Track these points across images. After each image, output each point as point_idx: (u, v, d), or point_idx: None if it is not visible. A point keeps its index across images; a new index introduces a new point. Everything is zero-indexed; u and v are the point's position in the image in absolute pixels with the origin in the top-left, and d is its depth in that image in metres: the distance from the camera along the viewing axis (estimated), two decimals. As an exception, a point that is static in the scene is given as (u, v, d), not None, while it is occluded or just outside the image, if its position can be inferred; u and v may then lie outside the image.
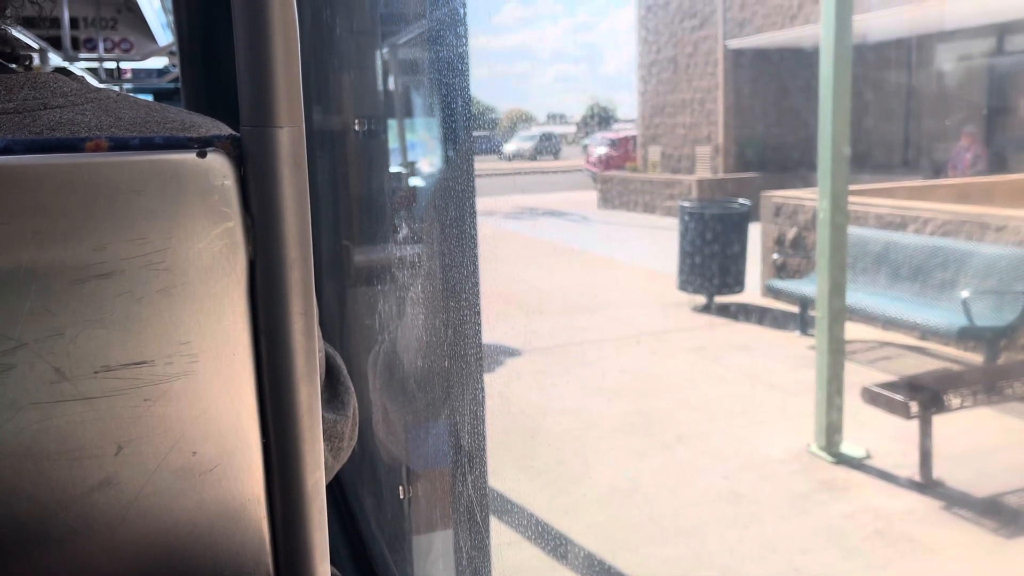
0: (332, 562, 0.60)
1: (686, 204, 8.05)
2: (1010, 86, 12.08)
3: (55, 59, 6.39)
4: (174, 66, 8.08)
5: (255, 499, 0.55)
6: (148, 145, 0.51)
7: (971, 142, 10.58)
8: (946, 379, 4.54)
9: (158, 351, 0.51)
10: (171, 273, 0.51)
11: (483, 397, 1.22)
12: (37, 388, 0.49)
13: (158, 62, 8.78)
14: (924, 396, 3.88)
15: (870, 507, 3.72)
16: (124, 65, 8.15)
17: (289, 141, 0.51)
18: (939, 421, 3.88)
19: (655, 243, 11.57)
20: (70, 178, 0.48)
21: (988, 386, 4.09)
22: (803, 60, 13.74)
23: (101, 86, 0.66)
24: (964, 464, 4.04)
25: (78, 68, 6.90)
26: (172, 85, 8.77)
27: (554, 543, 3.41)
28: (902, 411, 3.86)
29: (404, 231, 1.49)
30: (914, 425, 3.89)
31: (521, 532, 3.50)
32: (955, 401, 3.89)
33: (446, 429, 1.31)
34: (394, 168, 1.71)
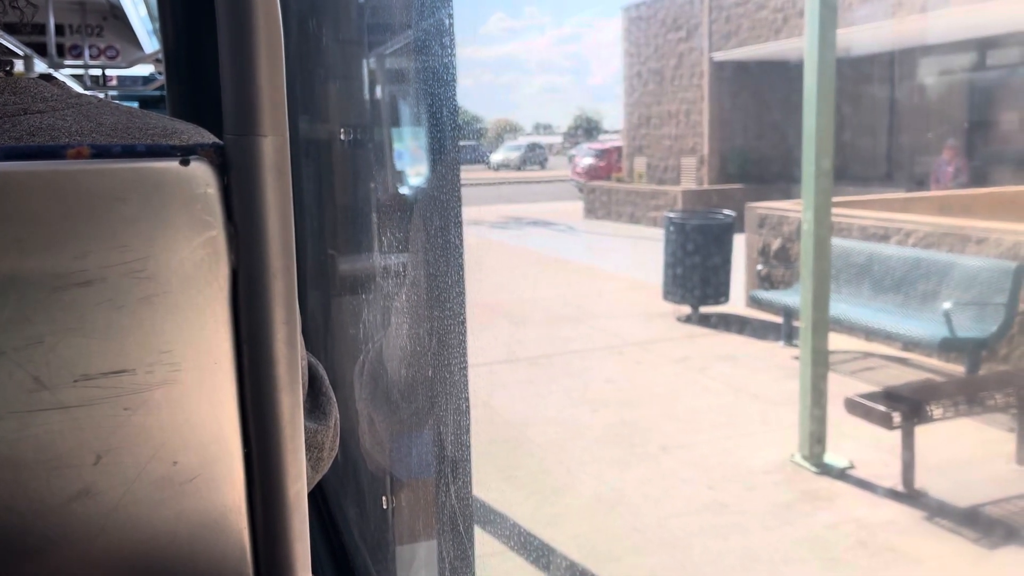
0: (314, 572, 0.59)
1: (671, 215, 8.08)
2: (991, 100, 12.22)
3: (40, 66, 6.35)
4: (160, 74, 8.06)
5: (236, 509, 0.55)
6: (130, 153, 0.51)
7: (953, 155, 10.69)
8: (928, 390, 4.58)
9: (139, 360, 0.50)
10: (153, 282, 0.50)
11: (467, 406, 1.22)
12: (15, 397, 0.48)
13: (144, 69, 8.75)
14: (906, 407, 3.90)
15: (853, 517, 3.73)
16: (110, 72, 8.11)
17: (273, 150, 0.51)
18: (921, 431, 3.90)
19: (640, 253, 11.61)
20: (51, 185, 0.48)
21: (969, 397, 4.12)
22: (788, 73, 13.86)
23: (83, 91, 0.66)
24: (946, 474, 4.07)
25: (63, 75, 6.86)
26: (158, 93, 8.73)
27: (538, 553, 3.40)
28: (885, 422, 3.88)
29: (389, 241, 1.48)
30: (897, 435, 3.92)
31: (505, 542, 3.49)
32: (937, 412, 3.92)
33: (430, 438, 1.31)
34: (379, 177, 1.71)
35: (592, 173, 18.90)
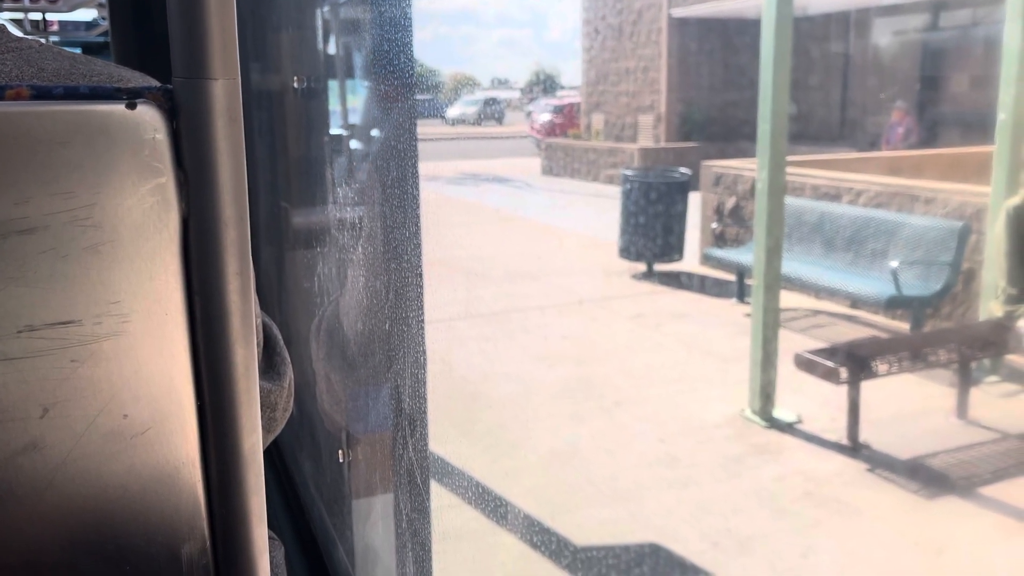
0: (270, 526, 0.59)
1: (628, 172, 8.10)
2: (943, 61, 12.39)
3: (-25, 9, 6.08)
4: (103, 19, 7.76)
5: (190, 463, 0.54)
6: (73, 95, 0.49)
7: (902, 116, 10.86)
8: (874, 346, 4.70)
9: (86, 310, 0.49)
10: (99, 230, 0.49)
11: (424, 361, 1.22)
12: (-45, 348, 0.47)
13: (87, 14, 8.42)
14: (853, 363, 4.01)
15: (800, 470, 3.84)
16: (50, 16, 7.80)
17: (224, 94, 0.49)
18: (867, 387, 4.01)
19: (597, 211, 11.64)
20: (-12, 128, 0.46)
21: (914, 353, 4.24)
22: (746, 30, 13.86)
23: (23, 36, 0.63)
24: (889, 428, 4.20)
25: (2, 19, 6.57)
26: (102, 39, 8.42)
27: (494, 506, 3.44)
28: (832, 377, 3.98)
29: (344, 193, 1.46)
30: (844, 390, 4.02)
31: (461, 495, 3.53)
32: (882, 368, 4.03)
33: (387, 393, 1.31)
34: (334, 129, 1.67)
35: (550, 129, 18.81)
